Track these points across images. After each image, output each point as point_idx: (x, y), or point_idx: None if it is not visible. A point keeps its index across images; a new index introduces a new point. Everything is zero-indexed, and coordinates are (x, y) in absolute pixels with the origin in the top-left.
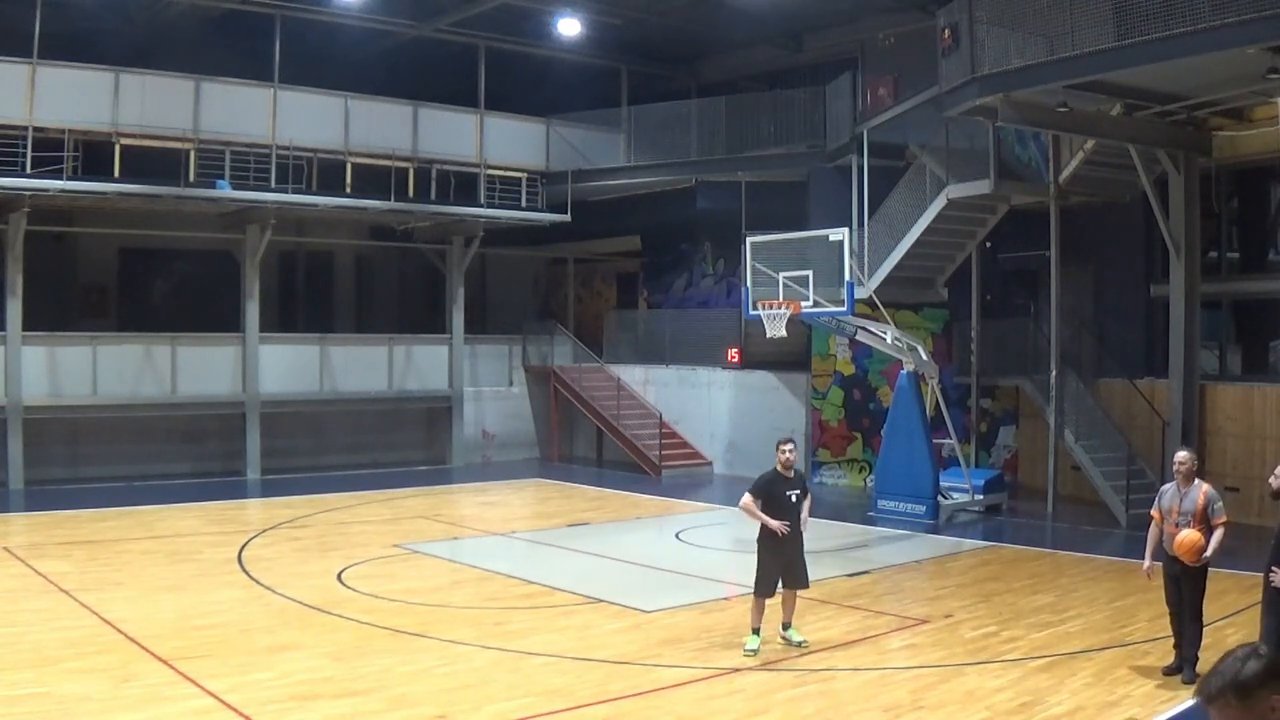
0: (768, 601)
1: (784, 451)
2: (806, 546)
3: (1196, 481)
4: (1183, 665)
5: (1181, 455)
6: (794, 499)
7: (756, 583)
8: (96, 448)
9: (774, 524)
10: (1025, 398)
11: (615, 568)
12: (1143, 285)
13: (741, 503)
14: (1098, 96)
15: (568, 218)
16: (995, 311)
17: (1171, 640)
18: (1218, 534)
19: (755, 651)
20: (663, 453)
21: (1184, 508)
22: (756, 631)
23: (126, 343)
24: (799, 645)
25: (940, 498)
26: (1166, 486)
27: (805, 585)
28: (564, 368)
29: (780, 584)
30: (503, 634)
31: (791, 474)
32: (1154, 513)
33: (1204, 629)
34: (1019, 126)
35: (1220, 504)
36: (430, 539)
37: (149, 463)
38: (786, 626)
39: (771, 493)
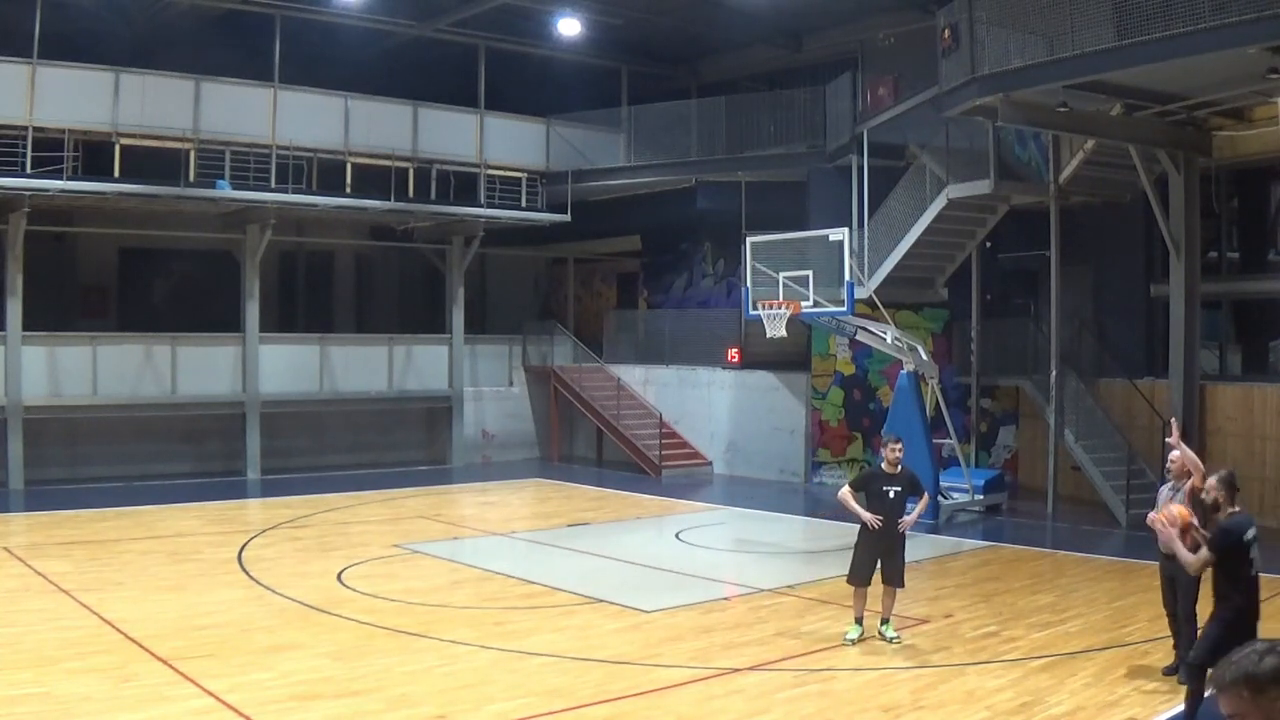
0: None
1: (892, 450)
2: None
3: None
4: (1180, 666)
5: (1175, 455)
6: (892, 495)
7: (850, 571)
8: (96, 448)
9: (866, 516)
10: (1025, 398)
11: (615, 568)
12: (1143, 285)
13: (839, 494)
14: (1098, 96)
15: (568, 218)
16: (995, 311)
17: (1171, 641)
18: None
19: (855, 640)
20: (663, 453)
21: (1178, 503)
22: (858, 621)
23: (126, 343)
24: (890, 640)
25: (940, 498)
26: (1163, 487)
27: (899, 584)
28: (564, 368)
29: (881, 578)
30: (503, 634)
31: (897, 470)
32: (1152, 515)
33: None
34: (1019, 126)
35: None
36: (430, 539)
37: (149, 463)
38: (884, 622)
39: (869, 487)
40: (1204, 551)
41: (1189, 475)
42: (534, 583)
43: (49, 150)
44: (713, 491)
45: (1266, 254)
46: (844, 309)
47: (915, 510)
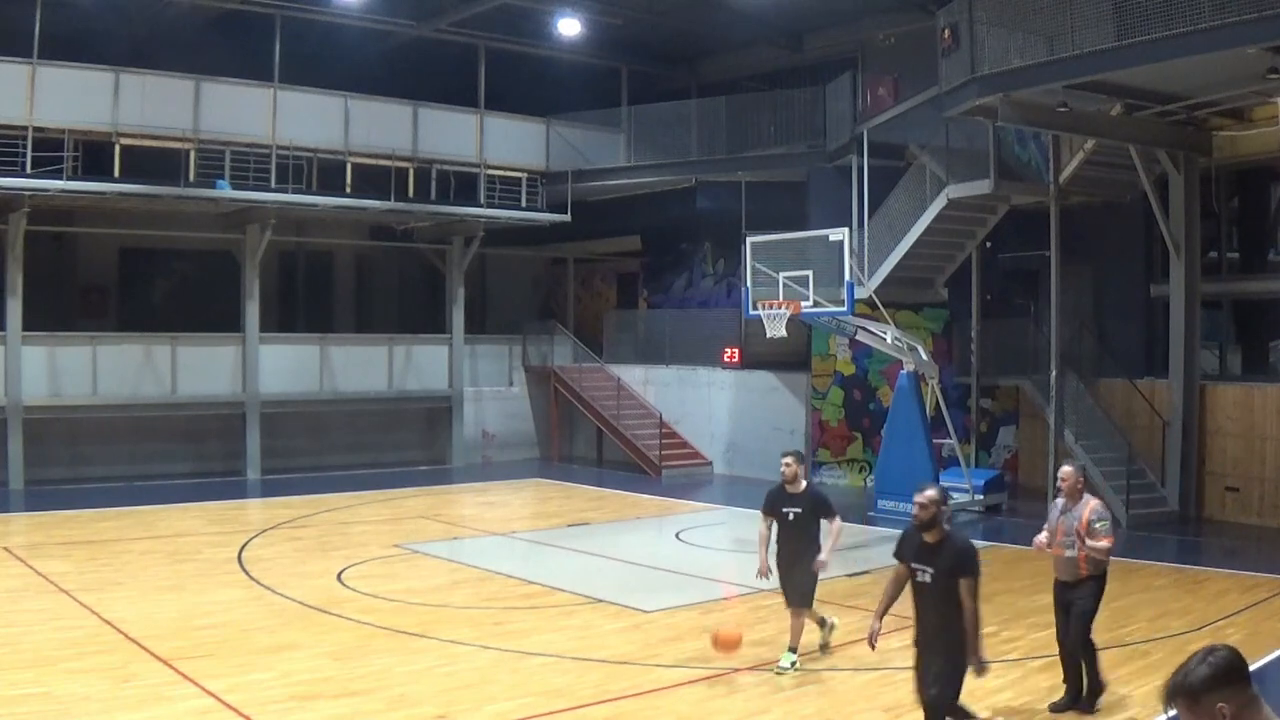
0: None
1: (784, 466)
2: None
3: (1085, 497)
4: (1076, 700)
5: (1065, 470)
6: (791, 518)
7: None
8: (96, 448)
9: (759, 562)
10: (1025, 398)
11: (615, 568)
12: (1143, 285)
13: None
14: (1098, 96)
15: (568, 218)
16: (995, 311)
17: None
18: (1100, 543)
19: (786, 669)
20: (663, 453)
21: (1068, 526)
22: (790, 649)
23: (126, 343)
24: (778, 671)
25: None
26: (1056, 502)
27: (800, 604)
28: (564, 368)
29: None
30: (503, 634)
31: (796, 489)
32: (1040, 538)
33: (1097, 658)
34: (1019, 126)
35: (1105, 523)
36: (430, 539)
37: (149, 463)
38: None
39: (774, 510)
40: (974, 584)
41: (1080, 494)
42: (534, 583)
43: (49, 150)
44: (713, 491)
45: (1266, 254)
46: (844, 309)
47: (827, 545)
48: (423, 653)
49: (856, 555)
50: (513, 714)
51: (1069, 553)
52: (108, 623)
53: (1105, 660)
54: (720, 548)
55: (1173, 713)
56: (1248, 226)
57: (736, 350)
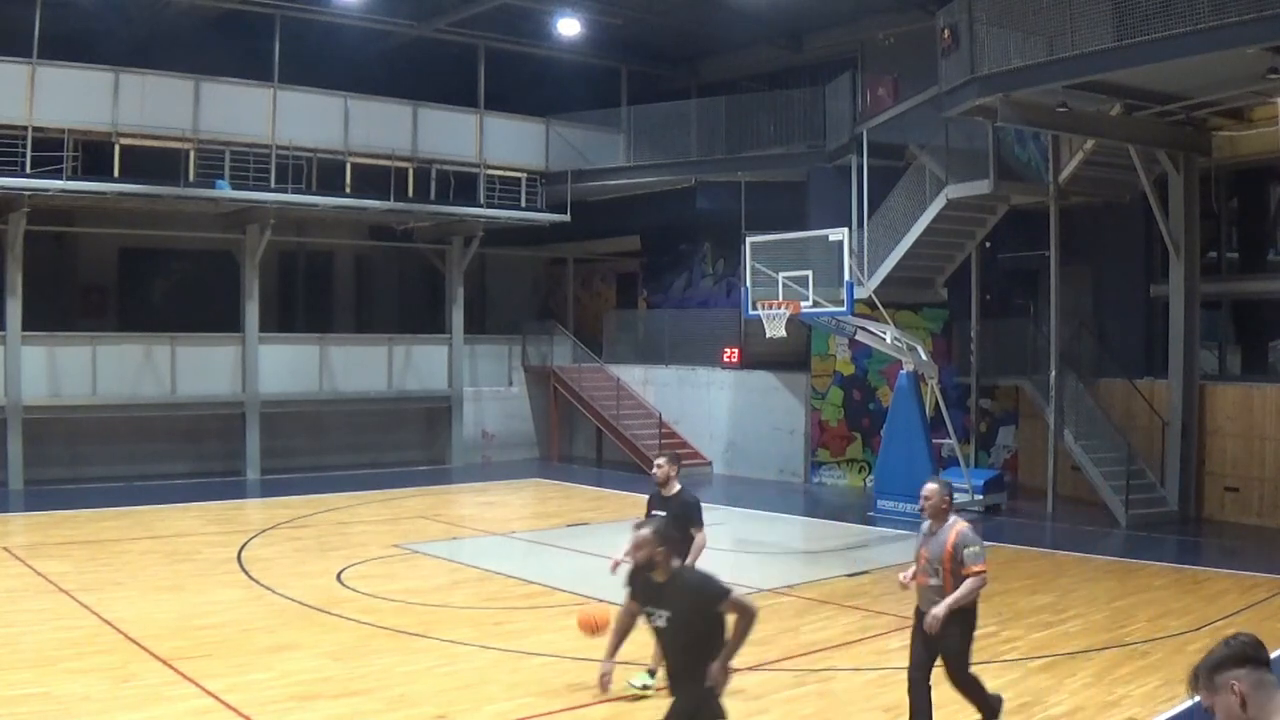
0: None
1: (655, 468)
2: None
3: (951, 519)
4: None
5: (927, 489)
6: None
7: None
8: (96, 448)
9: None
10: (1025, 398)
11: None
12: (1143, 285)
13: None
14: (1098, 96)
15: (567, 218)
16: (995, 311)
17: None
18: (968, 584)
19: (642, 687)
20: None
21: (932, 552)
22: (651, 673)
23: (126, 343)
24: (636, 684)
25: None
26: (924, 524)
27: None
28: (564, 368)
29: None
30: (503, 634)
31: (669, 491)
32: (903, 576)
33: (983, 688)
34: (1019, 126)
35: (975, 549)
36: (430, 539)
37: (149, 463)
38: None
39: (647, 509)
40: (733, 602)
41: (945, 515)
42: (534, 583)
43: (49, 150)
44: (713, 491)
45: (1266, 254)
46: (844, 309)
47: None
48: (423, 653)
49: (857, 555)
50: (512, 714)
51: (933, 580)
52: (108, 623)
53: (1105, 660)
54: (720, 548)
55: (1196, 698)
56: (1247, 226)
57: (736, 350)
